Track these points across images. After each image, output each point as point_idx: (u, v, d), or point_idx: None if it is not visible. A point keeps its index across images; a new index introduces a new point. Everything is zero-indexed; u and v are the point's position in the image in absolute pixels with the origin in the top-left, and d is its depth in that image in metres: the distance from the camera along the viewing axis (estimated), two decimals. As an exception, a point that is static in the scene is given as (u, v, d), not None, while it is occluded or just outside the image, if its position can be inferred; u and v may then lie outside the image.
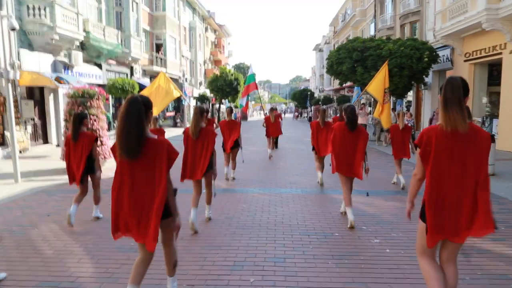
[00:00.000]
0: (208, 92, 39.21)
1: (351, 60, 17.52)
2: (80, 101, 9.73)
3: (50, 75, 14.01)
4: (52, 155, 10.77)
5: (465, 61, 16.58)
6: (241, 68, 77.27)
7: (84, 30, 16.65)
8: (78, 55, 16.28)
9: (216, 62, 50.04)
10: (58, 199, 7.15)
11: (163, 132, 8.34)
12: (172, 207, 2.88)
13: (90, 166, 5.34)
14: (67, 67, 16.04)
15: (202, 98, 34.02)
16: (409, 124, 8.39)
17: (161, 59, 27.73)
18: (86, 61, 17.79)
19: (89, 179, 5.55)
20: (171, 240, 3.09)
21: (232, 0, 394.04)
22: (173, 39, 30.23)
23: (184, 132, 5.33)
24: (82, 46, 17.23)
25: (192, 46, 39.30)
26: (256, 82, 18.12)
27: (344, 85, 20.63)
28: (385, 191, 7.75)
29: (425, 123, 20.34)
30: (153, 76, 27.16)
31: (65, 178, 6.27)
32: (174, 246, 3.15)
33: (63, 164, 9.89)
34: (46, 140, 15.56)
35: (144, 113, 2.74)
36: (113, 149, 2.86)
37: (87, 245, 4.72)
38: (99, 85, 18.52)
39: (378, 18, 29.62)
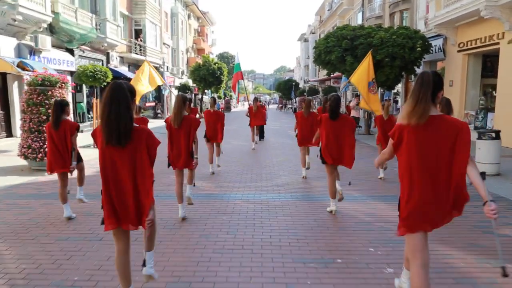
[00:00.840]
0: (190, 82, 37.90)
1: (340, 49, 16.61)
2: (40, 90, 8.54)
3: (13, 60, 12.66)
4: (15, 149, 9.60)
5: (458, 51, 15.87)
6: (225, 58, 75.62)
7: (53, 12, 15.24)
8: (46, 39, 14.90)
9: (199, 51, 48.56)
10: (19, 205, 6.06)
11: (146, 122, 8.12)
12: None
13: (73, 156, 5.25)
14: (33, 52, 14.66)
15: (183, 88, 32.70)
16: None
17: (140, 46, 26.31)
18: (56, 46, 16.41)
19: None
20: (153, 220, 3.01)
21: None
22: (154, 25, 28.79)
23: (166, 121, 5.30)
24: (51, 30, 15.83)
25: (174, 34, 37.80)
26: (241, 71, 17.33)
27: (331, 75, 19.74)
28: (388, 196, 6.76)
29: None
30: (131, 64, 25.78)
31: (30, 178, 5.34)
32: (155, 225, 3.15)
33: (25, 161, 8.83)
34: (10, 133, 14.23)
35: (130, 98, 2.69)
36: (93, 135, 2.86)
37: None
38: (71, 73, 17.37)
39: (366, 6, 28.76)
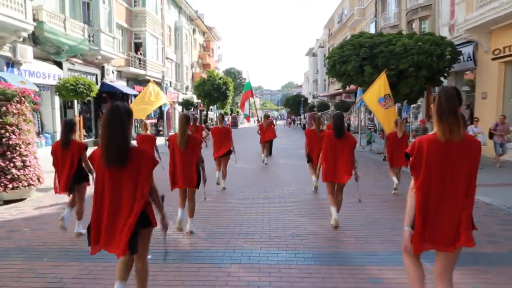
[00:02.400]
0: (195, 98, 36.33)
1: (357, 58, 14.76)
2: (-9, 105, 6.80)
3: (-17, 72, 11.01)
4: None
5: (493, 59, 13.91)
6: (232, 73, 74.55)
7: (36, 20, 13.66)
8: (26, 50, 13.28)
9: (205, 66, 47.18)
10: None
11: (154, 139, 8.50)
12: (159, 208, 2.92)
13: (78, 176, 5.08)
14: (12, 63, 13.03)
15: (186, 104, 31.03)
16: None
17: (139, 59, 24.76)
18: (41, 57, 14.80)
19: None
20: (146, 253, 3.02)
21: (221, 3, 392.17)
22: (155, 38, 27.33)
23: (169, 140, 5.23)
24: (35, 40, 14.23)
25: (177, 48, 36.44)
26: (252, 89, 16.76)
27: (346, 88, 17.89)
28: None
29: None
30: (130, 78, 24.22)
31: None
32: (147, 262, 3.08)
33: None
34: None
35: (127, 121, 2.74)
36: (92, 157, 2.87)
37: None
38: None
39: (379, 16, 27.07)
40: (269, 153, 14.86)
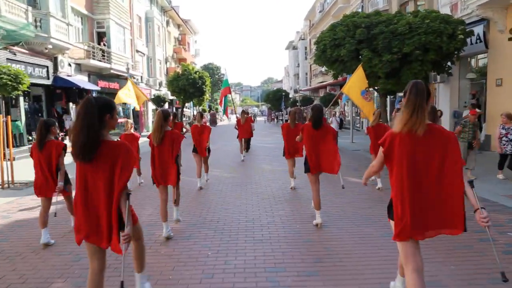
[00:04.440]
0: (169, 94, 33.62)
1: (353, 40, 12.52)
2: None
3: None
4: None
5: (510, 39, 11.91)
6: (210, 69, 71.69)
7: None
8: None
9: (180, 61, 44.40)
10: None
11: (137, 138, 8.33)
12: (123, 214, 2.69)
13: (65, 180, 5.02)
14: None
15: (158, 100, 28.32)
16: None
17: (103, 51, 21.95)
18: (-32, 45, 12.02)
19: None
20: (139, 236, 3.15)
21: None
22: (121, 27, 24.51)
23: (149, 137, 5.18)
24: (-43, 22, 11.44)
25: (149, 41, 33.63)
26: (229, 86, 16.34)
27: (336, 79, 15.61)
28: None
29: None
30: (92, 73, 21.39)
31: None
32: (143, 243, 3.23)
33: None
34: None
35: (95, 114, 2.64)
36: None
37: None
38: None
39: (366, 1, 25.01)
40: (247, 148, 14.92)
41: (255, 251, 4.52)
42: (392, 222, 2.78)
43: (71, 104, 18.63)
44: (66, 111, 18.42)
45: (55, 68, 17.13)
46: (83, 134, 2.60)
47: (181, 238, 4.99)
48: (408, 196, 2.63)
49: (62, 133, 17.88)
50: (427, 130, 2.61)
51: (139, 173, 8.73)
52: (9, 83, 8.56)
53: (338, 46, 13.01)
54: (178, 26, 46.00)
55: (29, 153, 5.13)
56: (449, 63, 13.12)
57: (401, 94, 14.45)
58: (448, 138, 2.63)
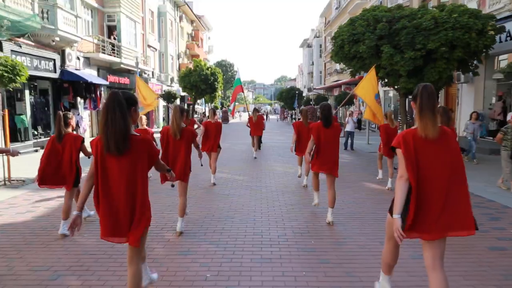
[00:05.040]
0: (181, 90, 33.13)
1: (373, 36, 11.71)
2: None
3: None
4: None
5: (545, 36, 10.99)
6: (223, 66, 71.32)
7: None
8: None
9: (193, 57, 43.91)
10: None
11: (150, 133, 8.07)
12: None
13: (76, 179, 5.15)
14: None
15: (168, 96, 27.79)
16: None
17: (113, 45, 21.49)
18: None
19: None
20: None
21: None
22: (132, 21, 24.02)
23: (162, 132, 5.13)
24: (-42, 11, 10.99)
25: (161, 36, 33.17)
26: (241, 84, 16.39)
27: (353, 77, 14.79)
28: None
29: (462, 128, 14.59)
30: (102, 67, 20.94)
31: None
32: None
33: None
34: None
35: (126, 107, 2.68)
36: (92, 145, 2.82)
37: None
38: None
39: (386, -3, 24.05)
40: (259, 147, 15.15)
41: (262, 274, 3.84)
42: (398, 219, 2.71)
43: (78, 98, 18.17)
44: (74, 106, 17.97)
45: (63, 62, 16.67)
46: (120, 125, 2.62)
47: (178, 253, 4.34)
48: (420, 198, 2.66)
49: (69, 128, 17.47)
50: (440, 133, 2.67)
51: None
52: (6, 74, 8.01)
53: (357, 42, 12.21)
54: (191, 21, 45.51)
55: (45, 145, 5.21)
56: (475, 62, 12.21)
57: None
58: (453, 136, 2.74)
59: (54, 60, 16.06)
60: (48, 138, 16.19)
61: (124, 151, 2.66)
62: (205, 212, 6.09)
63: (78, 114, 17.97)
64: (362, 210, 6.25)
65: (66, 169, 4.98)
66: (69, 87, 17.12)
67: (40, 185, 5.03)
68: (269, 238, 4.86)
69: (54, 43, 15.62)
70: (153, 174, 8.52)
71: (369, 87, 8.77)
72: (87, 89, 17.94)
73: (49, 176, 4.97)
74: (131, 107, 2.77)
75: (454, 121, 16.11)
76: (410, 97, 17.89)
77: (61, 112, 5.07)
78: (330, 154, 5.41)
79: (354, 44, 12.31)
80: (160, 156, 4.33)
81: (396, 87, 13.08)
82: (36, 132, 15.62)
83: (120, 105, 2.65)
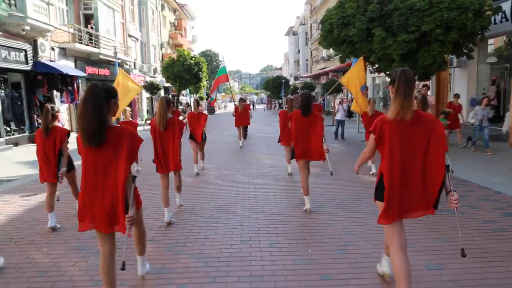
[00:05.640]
0: (164, 81, 32.11)
1: (364, 18, 11.05)
2: None
3: None
4: None
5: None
6: (208, 56, 69.93)
7: None
8: None
9: (177, 47, 42.74)
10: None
11: (135, 125, 8.57)
12: (128, 197, 2.76)
13: (68, 165, 5.13)
14: None
15: (151, 87, 26.83)
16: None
17: (90, 35, 20.41)
18: None
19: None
20: (141, 221, 3.23)
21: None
22: (110, 10, 22.90)
23: (150, 124, 5.26)
24: None
25: (143, 25, 32.00)
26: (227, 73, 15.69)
27: (343, 62, 14.14)
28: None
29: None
30: (80, 58, 19.88)
31: None
32: (143, 228, 3.30)
33: None
34: None
35: (103, 100, 2.67)
36: (77, 139, 2.96)
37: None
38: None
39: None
40: (245, 136, 14.96)
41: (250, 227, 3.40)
42: (378, 203, 2.88)
43: (55, 92, 17.15)
44: (49, 99, 16.96)
45: (35, 52, 15.62)
46: (95, 119, 2.59)
47: (152, 273, 3.64)
48: (397, 180, 2.72)
49: (44, 123, 16.50)
50: (415, 117, 2.70)
51: (137, 161, 8.33)
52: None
53: (347, 25, 11.53)
54: (174, 10, 44.22)
55: (28, 140, 5.45)
56: (470, 45, 11.67)
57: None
58: (434, 124, 2.72)
59: (25, 50, 15.01)
60: (22, 134, 15.26)
61: (101, 144, 2.64)
62: (186, 216, 5.42)
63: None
64: (361, 208, 5.64)
65: (54, 162, 4.98)
66: (43, 80, 16.09)
67: (42, 182, 5.10)
68: (259, 248, 4.21)
69: (24, 32, 14.57)
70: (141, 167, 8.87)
71: (356, 78, 8.67)
72: (63, 82, 16.92)
73: (44, 171, 5.01)
74: (111, 100, 2.75)
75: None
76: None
77: (48, 105, 4.99)
78: (308, 142, 5.39)
79: (344, 28, 11.62)
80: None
81: (388, 72, 12.50)
82: (8, 129, 14.64)
83: (98, 98, 2.62)
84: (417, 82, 17.61)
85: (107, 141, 2.67)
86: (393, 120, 2.70)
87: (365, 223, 4.95)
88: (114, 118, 10.13)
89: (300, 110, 5.42)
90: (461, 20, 9.97)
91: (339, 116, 14.84)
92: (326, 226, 4.87)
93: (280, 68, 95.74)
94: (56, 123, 5.07)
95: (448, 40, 10.44)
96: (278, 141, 8.55)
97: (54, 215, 5.01)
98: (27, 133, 15.49)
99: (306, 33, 48.87)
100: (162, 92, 34.61)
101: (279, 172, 8.62)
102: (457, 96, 11.68)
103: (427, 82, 17.66)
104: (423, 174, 2.72)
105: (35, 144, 5.06)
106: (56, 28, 17.10)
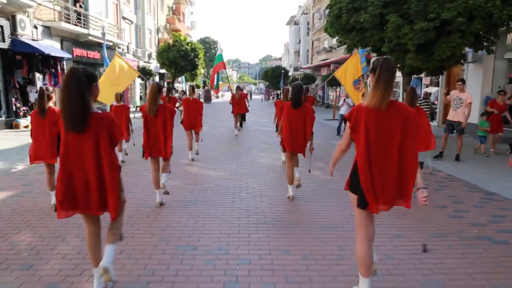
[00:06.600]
0: (159, 67, 30.81)
1: (378, 2, 9.89)
2: None
3: None
4: None
5: None
6: (207, 43, 68.45)
7: None
8: None
9: (174, 31, 41.31)
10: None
11: (127, 109, 8.47)
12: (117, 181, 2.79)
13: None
14: None
15: (143, 72, 25.54)
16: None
17: (79, 13, 19.08)
18: None
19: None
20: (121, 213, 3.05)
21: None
22: (102, -12, 21.53)
23: (141, 109, 5.26)
24: None
25: (138, 7, 30.57)
26: (224, 61, 15.19)
27: (350, 52, 12.93)
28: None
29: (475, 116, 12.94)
30: (65, 38, 18.54)
31: None
32: (122, 218, 3.07)
33: None
34: None
35: (85, 84, 2.65)
36: (60, 122, 2.81)
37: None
38: None
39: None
40: (241, 124, 15.24)
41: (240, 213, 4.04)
42: (350, 194, 2.89)
43: (37, 74, 15.89)
44: (30, 82, 15.72)
45: (13, 29, 14.32)
46: (77, 104, 2.58)
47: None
48: (373, 170, 2.70)
49: (24, 108, 15.29)
50: (390, 105, 2.69)
51: (122, 148, 8.54)
52: None
53: (358, 10, 10.40)
54: (172, -6, 42.69)
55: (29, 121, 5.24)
56: (492, 37, 10.53)
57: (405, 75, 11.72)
58: (409, 115, 2.71)
59: (2, 27, 13.67)
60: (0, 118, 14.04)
61: (82, 130, 2.63)
62: (157, 235, 4.26)
63: (36, 91, 15.72)
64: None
65: (50, 143, 4.93)
66: (22, 60, 14.80)
67: (32, 162, 5.10)
68: (247, 283, 3.14)
69: (0, 6, 13.27)
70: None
71: (350, 72, 8.54)
72: (45, 63, 15.65)
73: (38, 151, 5.00)
74: (92, 84, 2.72)
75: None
76: (415, 76, 16.05)
77: (43, 87, 4.99)
78: (297, 135, 5.38)
79: (354, 13, 10.49)
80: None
81: (398, 65, 11.37)
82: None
83: (79, 83, 2.60)
84: (436, 77, 16.36)
85: (89, 126, 2.63)
86: (370, 109, 2.68)
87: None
88: (109, 103, 9.10)
89: (291, 102, 5.40)
90: (487, 8, 8.85)
91: (343, 111, 13.72)
92: (336, 252, 3.80)
93: (280, 59, 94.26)
94: (51, 104, 5.01)
95: (470, 30, 9.33)
96: (276, 131, 8.44)
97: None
98: (3, 118, 14.28)
99: (308, 23, 47.53)
100: (157, 78, 33.34)
101: (277, 174, 7.52)
102: (502, 93, 10.03)
103: (437, 78, 16.57)
104: (400, 164, 2.69)
105: (28, 128, 4.81)
106: (40, 4, 15.78)
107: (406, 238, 4.18)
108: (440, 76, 16.00)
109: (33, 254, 3.69)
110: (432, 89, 17.81)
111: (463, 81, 8.71)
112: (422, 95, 14.71)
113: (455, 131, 8.77)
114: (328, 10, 11.84)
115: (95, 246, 2.95)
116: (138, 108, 25.68)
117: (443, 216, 4.94)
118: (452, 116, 8.69)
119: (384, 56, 2.77)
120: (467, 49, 11.80)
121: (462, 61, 12.17)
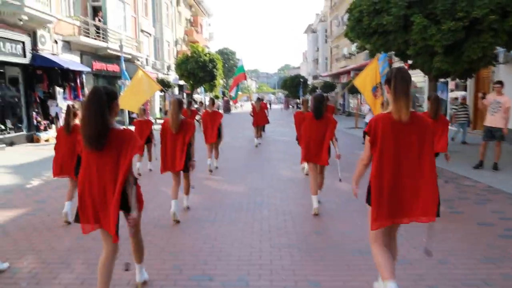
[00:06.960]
0: (177, 79, 30.89)
1: (401, 3, 9.38)
2: None
3: None
4: None
5: None
6: (225, 54, 68.93)
7: None
8: None
9: (192, 43, 41.56)
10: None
11: (150, 124, 8.69)
12: (130, 198, 2.78)
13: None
14: None
15: (162, 84, 25.51)
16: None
17: (98, 28, 19.23)
18: None
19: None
20: (137, 231, 3.10)
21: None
22: (121, 2, 21.70)
23: (162, 124, 5.30)
24: None
25: (156, 20, 30.83)
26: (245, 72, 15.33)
27: (372, 57, 12.41)
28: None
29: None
30: (86, 52, 18.69)
31: None
32: (140, 236, 3.16)
33: None
34: None
35: (105, 103, 2.71)
36: (80, 140, 2.89)
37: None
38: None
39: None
40: (261, 133, 15.11)
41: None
42: (369, 207, 2.77)
43: (58, 88, 15.95)
44: (51, 96, 15.79)
45: (34, 45, 14.43)
46: (98, 123, 2.63)
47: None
48: (387, 183, 2.63)
49: (45, 122, 15.34)
50: (410, 118, 2.63)
51: (150, 159, 8.83)
52: None
53: (379, 13, 9.90)
54: (190, 6, 43.08)
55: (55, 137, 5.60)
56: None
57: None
58: (426, 127, 2.68)
59: (23, 42, 13.81)
60: (19, 133, 14.09)
61: (99, 147, 2.67)
62: (170, 262, 3.84)
63: (57, 105, 15.81)
64: (400, 241, 4.06)
65: (74, 158, 4.97)
66: (43, 75, 14.90)
67: (55, 176, 5.22)
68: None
69: (22, 22, 13.38)
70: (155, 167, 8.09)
71: (369, 79, 8.32)
72: (64, 77, 15.71)
73: (62, 166, 5.12)
74: (113, 102, 2.77)
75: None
76: (442, 80, 15.20)
77: (70, 105, 5.24)
78: (317, 146, 5.32)
79: (376, 16, 9.99)
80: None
81: (423, 69, 10.78)
82: (3, 127, 13.49)
83: (100, 102, 2.66)
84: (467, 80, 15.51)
85: (108, 144, 2.68)
86: (389, 120, 2.64)
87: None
88: (136, 111, 8.99)
89: (312, 113, 5.38)
90: (523, 4, 8.23)
91: (368, 119, 13.21)
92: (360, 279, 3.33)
93: (298, 68, 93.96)
94: (76, 121, 5.15)
95: (503, 28, 8.71)
96: (296, 139, 8.18)
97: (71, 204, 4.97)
98: (24, 132, 14.33)
99: (326, 30, 47.05)
100: (176, 90, 33.45)
101: (300, 188, 7.07)
102: None
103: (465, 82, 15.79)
104: (418, 177, 2.62)
105: (54, 143, 5.32)
106: (59, 19, 15.91)
107: (452, 265, 3.65)
108: (468, 80, 15.25)
109: (33, 284, 3.36)
110: (458, 93, 17.02)
111: (501, 83, 8.10)
112: (460, 100, 14.02)
113: (495, 138, 8.12)
114: (348, 15, 11.37)
115: (107, 269, 2.85)
116: (157, 120, 25.72)
117: (491, 237, 4.36)
118: (490, 121, 8.05)
119: (397, 67, 2.72)
120: (498, 49, 11.11)
121: (493, 62, 11.49)
